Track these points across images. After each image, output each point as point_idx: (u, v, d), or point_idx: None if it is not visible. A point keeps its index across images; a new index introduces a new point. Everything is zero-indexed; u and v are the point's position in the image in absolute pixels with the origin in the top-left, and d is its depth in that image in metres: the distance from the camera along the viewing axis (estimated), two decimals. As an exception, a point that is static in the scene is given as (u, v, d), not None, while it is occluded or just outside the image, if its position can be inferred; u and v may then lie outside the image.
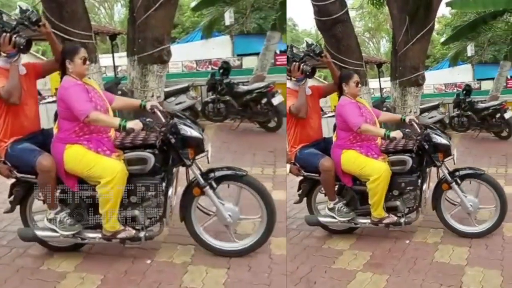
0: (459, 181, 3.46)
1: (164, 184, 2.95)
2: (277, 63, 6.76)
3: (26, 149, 2.87)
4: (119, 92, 5.38)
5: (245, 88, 6.07)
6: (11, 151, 2.88)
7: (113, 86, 5.53)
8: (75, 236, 2.92)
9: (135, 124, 2.74)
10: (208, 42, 7.09)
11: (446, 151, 3.44)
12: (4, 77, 2.85)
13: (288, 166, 3.52)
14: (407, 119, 3.60)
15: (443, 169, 3.47)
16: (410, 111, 5.62)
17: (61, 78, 2.93)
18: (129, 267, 2.92)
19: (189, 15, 7.72)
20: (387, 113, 4.04)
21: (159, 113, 3.09)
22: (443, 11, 7.33)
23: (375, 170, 3.29)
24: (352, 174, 3.39)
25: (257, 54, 6.65)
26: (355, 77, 3.41)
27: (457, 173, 3.48)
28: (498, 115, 6.28)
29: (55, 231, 2.91)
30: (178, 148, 2.92)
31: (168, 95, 5.76)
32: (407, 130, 3.35)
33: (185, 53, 6.95)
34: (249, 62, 6.77)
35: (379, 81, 7.26)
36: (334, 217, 3.43)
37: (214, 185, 3.01)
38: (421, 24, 5.43)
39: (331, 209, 3.44)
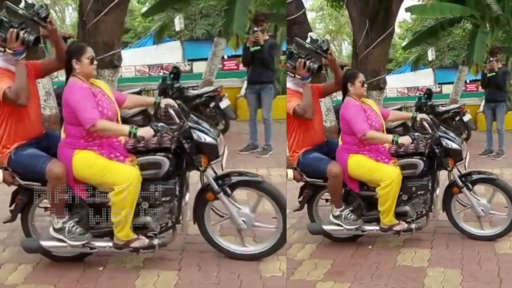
0: (470, 186, 3.39)
1: (178, 189, 2.87)
2: (225, 68, 7.04)
3: (32, 155, 2.71)
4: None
5: (195, 92, 6.18)
6: (15, 158, 2.72)
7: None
8: (84, 246, 2.79)
9: (146, 132, 2.65)
10: (159, 47, 7.24)
11: (457, 156, 3.36)
12: (7, 78, 2.66)
13: (290, 171, 3.33)
14: (418, 118, 3.48)
15: (453, 174, 3.39)
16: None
17: (66, 79, 2.77)
18: (80, 275, 2.82)
19: (141, 20, 7.88)
20: (397, 112, 3.94)
21: (172, 112, 2.96)
22: (404, 16, 7.61)
23: (386, 175, 3.15)
24: (360, 180, 3.24)
25: (207, 59, 6.85)
26: (361, 77, 3.24)
27: (468, 178, 3.40)
28: (457, 118, 6.50)
29: (63, 241, 2.76)
30: (191, 154, 2.84)
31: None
32: (416, 134, 3.22)
33: (138, 58, 7.06)
34: (199, 67, 6.92)
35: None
36: (340, 225, 3.26)
37: (229, 191, 2.94)
38: (381, 28, 5.57)
39: (337, 217, 3.26)
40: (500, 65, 6.23)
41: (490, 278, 2.89)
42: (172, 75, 6.26)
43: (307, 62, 3.19)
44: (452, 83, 7.28)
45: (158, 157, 2.83)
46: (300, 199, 3.43)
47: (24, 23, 2.66)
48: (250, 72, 5.26)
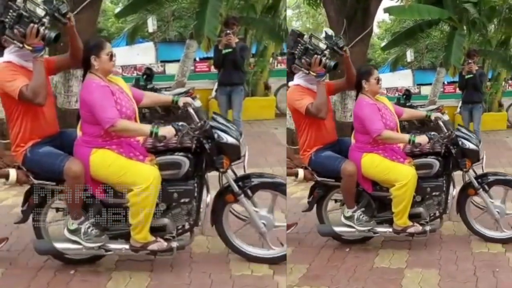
0: (486, 188, 3.32)
1: (197, 190, 2.81)
2: (197, 69, 7.02)
3: (50, 153, 2.63)
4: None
5: (168, 93, 6.16)
6: (31, 156, 2.63)
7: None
8: (100, 248, 2.71)
9: (168, 131, 2.59)
10: (133, 48, 7.13)
11: (474, 157, 3.31)
12: (22, 75, 2.56)
13: (301, 171, 3.27)
14: (432, 116, 3.42)
15: (469, 175, 3.33)
16: (351, 115, 5.76)
17: (84, 76, 2.69)
18: (51, 279, 2.75)
19: (114, 20, 7.69)
20: (411, 110, 3.87)
21: (192, 111, 2.90)
22: (383, 16, 7.69)
23: (402, 176, 3.07)
24: (373, 180, 3.16)
25: (179, 60, 6.82)
26: (376, 73, 3.15)
27: (484, 179, 3.34)
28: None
29: (78, 243, 2.68)
30: (212, 155, 2.78)
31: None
32: (432, 133, 3.19)
33: (111, 58, 7.07)
34: (172, 69, 6.89)
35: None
36: (352, 226, 3.19)
37: (250, 193, 2.89)
38: (360, 27, 5.59)
39: (348, 218, 3.19)
40: (477, 67, 6.36)
41: (467, 278, 2.92)
42: (145, 76, 6.24)
43: (323, 59, 3.02)
44: (430, 84, 7.38)
45: (178, 157, 2.77)
46: (310, 199, 3.34)
47: (43, 18, 2.55)
48: (221, 74, 5.35)
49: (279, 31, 7.07)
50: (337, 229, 3.25)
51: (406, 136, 3.13)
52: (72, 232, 2.70)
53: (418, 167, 3.20)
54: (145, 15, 7.03)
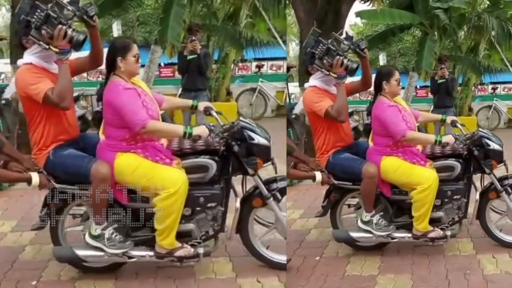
0: (510, 190, 3.24)
1: (224, 194, 2.75)
2: (161, 75, 7.21)
3: (75, 155, 2.57)
4: (3, 102, 5.03)
5: None
6: (54, 158, 2.55)
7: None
8: (123, 255, 2.62)
9: (202, 131, 2.54)
10: None
11: (498, 158, 3.23)
12: (46, 78, 2.48)
13: (319, 174, 3.14)
14: (448, 120, 3.37)
15: (492, 177, 3.23)
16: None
17: (106, 78, 2.61)
18: None
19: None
20: (426, 114, 3.85)
21: (215, 115, 2.83)
22: (356, 19, 7.79)
23: (423, 179, 3.00)
24: (393, 183, 3.08)
25: (144, 66, 6.88)
26: (397, 75, 3.08)
27: (506, 181, 3.25)
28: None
29: (100, 250, 2.59)
30: (242, 156, 2.71)
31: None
32: (456, 134, 3.15)
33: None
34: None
35: (287, 86, 7.52)
36: (370, 232, 3.08)
37: (279, 196, 2.83)
38: (331, 30, 5.58)
39: (366, 222, 3.09)
40: (448, 72, 6.50)
41: (439, 281, 2.90)
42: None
43: (345, 61, 2.96)
44: (403, 88, 7.52)
45: (205, 160, 2.71)
46: (324, 203, 3.25)
47: (69, 20, 2.47)
48: (185, 79, 5.42)
49: (239, 38, 7.24)
50: (354, 234, 3.15)
51: (432, 137, 3.10)
52: (94, 238, 2.60)
53: (439, 170, 3.13)
54: (110, 19, 7.07)
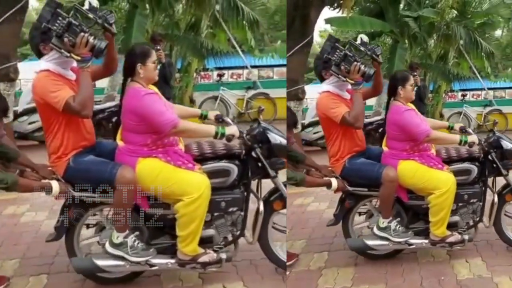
0: None
1: (244, 199, 2.75)
2: None
3: (98, 161, 2.56)
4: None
5: (98, 107, 6.08)
6: (75, 165, 2.53)
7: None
8: (146, 263, 2.60)
9: (234, 131, 2.59)
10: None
11: None
12: (65, 85, 2.48)
13: (334, 180, 3.07)
14: (456, 127, 3.40)
15: (509, 179, 3.26)
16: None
17: (123, 85, 2.62)
18: None
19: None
20: (433, 120, 3.88)
21: (229, 120, 2.86)
22: (326, 25, 7.88)
23: (442, 183, 3.00)
24: (409, 188, 3.08)
25: None
26: (412, 79, 3.11)
27: None
28: (381, 130, 6.73)
29: (121, 259, 2.56)
30: (265, 158, 2.74)
31: (20, 114, 5.60)
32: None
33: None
34: (102, 82, 6.85)
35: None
36: (387, 238, 3.05)
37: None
38: (299, 36, 5.60)
39: (383, 229, 3.05)
40: (420, 80, 6.61)
41: (414, 290, 2.91)
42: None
43: (362, 67, 2.96)
44: (374, 95, 7.63)
45: (227, 164, 2.73)
46: (337, 211, 3.21)
47: (90, 28, 2.47)
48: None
49: (201, 48, 7.39)
50: (370, 242, 3.11)
51: (457, 137, 3.11)
52: (116, 246, 2.57)
53: (455, 174, 3.13)
54: None
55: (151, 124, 2.51)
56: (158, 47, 5.23)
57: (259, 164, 2.78)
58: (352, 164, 3.11)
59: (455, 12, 8.46)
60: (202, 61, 7.78)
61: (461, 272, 3.07)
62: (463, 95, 8.29)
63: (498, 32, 9.88)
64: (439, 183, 3.03)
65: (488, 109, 8.27)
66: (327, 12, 6.78)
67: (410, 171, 3.05)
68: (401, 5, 8.12)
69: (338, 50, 2.95)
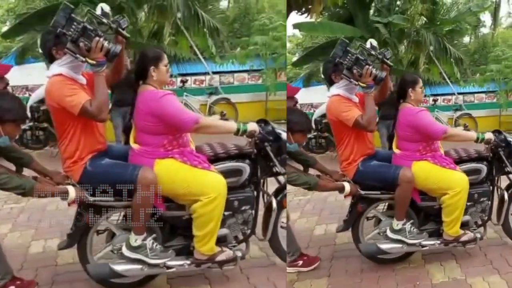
0: None
1: (254, 197, 2.84)
2: None
3: (117, 164, 2.62)
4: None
5: None
6: (92, 169, 2.57)
7: None
8: (163, 265, 2.63)
9: (254, 127, 2.69)
10: (23, 68, 7.28)
11: None
12: (80, 89, 2.53)
13: (347, 184, 3.05)
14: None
15: None
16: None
17: (136, 88, 2.69)
18: None
19: (1, 40, 7.94)
20: None
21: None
22: (295, 30, 7.89)
23: (456, 183, 3.07)
24: (423, 189, 3.11)
25: None
26: (420, 82, 3.17)
27: None
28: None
29: (139, 262, 2.59)
30: (275, 156, 2.82)
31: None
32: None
33: (-1, 79, 7.12)
34: None
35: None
36: (401, 241, 3.07)
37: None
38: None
39: (398, 231, 3.07)
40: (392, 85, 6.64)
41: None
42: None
43: (373, 70, 3.00)
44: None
45: (239, 164, 2.80)
46: (347, 217, 3.21)
47: (104, 33, 2.52)
48: (116, 95, 5.37)
49: None
50: (384, 246, 3.12)
51: (474, 134, 3.21)
52: (134, 249, 2.60)
53: (466, 174, 3.19)
54: (35, 34, 7.10)
55: (172, 124, 2.57)
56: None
57: (268, 163, 2.87)
58: (366, 166, 3.14)
59: (425, 19, 8.63)
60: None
61: (435, 276, 3.10)
62: (434, 100, 8.44)
63: (466, 39, 10.15)
64: (453, 183, 3.10)
65: (458, 113, 8.44)
66: (295, 17, 6.79)
67: (424, 171, 3.10)
68: (371, 11, 8.22)
69: (349, 54, 3.00)
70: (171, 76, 8.00)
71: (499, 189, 3.41)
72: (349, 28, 7.53)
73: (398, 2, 8.49)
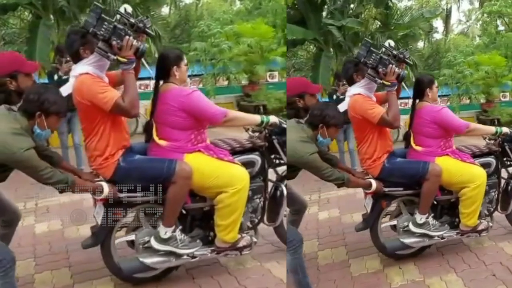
0: None
1: (264, 187, 3.10)
2: None
3: (150, 159, 2.81)
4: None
5: None
6: (126, 165, 2.73)
7: None
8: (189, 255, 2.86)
9: (276, 119, 2.99)
10: None
11: None
12: (110, 86, 2.70)
13: (374, 182, 3.20)
14: None
15: None
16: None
17: (156, 87, 2.89)
18: None
19: None
20: None
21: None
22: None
23: (476, 176, 3.33)
24: (443, 183, 3.32)
25: None
26: (436, 82, 3.43)
27: None
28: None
29: (168, 254, 2.81)
30: (281, 148, 3.09)
31: None
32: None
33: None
34: None
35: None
36: (424, 234, 3.31)
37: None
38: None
39: (421, 225, 3.31)
40: (348, 89, 6.57)
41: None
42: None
43: (396, 69, 3.18)
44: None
45: (252, 156, 3.06)
46: (366, 215, 3.34)
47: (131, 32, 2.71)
48: None
49: None
50: (407, 240, 3.35)
51: (493, 128, 3.58)
52: (164, 241, 2.80)
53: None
54: None
55: (203, 118, 2.81)
56: (68, 59, 5.03)
57: (272, 155, 3.16)
58: (393, 163, 3.31)
59: (379, 23, 8.70)
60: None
61: (394, 280, 3.20)
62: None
63: (420, 44, 10.38)
64: (473, 176, 3.36)
65: (414, 116, 8.48)
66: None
67: (447, 166, 3.32)
68: (324, 13, 8.18)
69: (374, 54, 3.16)
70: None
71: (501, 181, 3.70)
72: (300, 29, 7.52)
73: (351, 5, 8.52)
